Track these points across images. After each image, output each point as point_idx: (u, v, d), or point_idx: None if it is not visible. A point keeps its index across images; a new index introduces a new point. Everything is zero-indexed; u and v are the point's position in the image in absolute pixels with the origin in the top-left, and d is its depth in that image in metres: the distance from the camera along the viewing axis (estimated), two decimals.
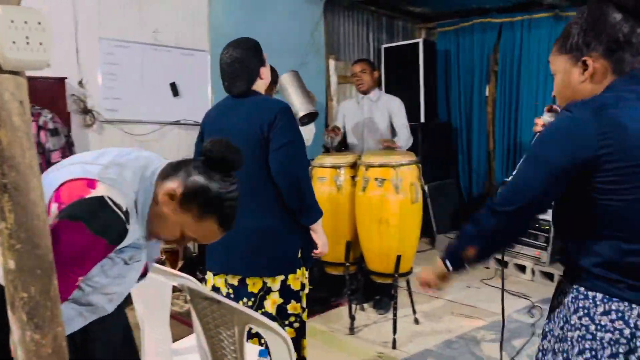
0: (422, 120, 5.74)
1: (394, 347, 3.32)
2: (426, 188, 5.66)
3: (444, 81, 6.27)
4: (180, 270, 4.06)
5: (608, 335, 1.24)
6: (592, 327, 1.27)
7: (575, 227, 1.33)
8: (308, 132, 3.63)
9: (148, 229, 1.36)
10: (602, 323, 1.25)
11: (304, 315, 2.38)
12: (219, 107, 2.38)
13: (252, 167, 2.18)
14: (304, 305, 2.37)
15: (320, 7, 5.32)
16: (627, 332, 1.23)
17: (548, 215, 4.59)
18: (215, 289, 2.35)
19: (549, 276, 4.58)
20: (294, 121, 2.26)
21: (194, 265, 4.13)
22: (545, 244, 4.66)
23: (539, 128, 1.63)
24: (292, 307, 2.31)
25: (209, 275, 2.38)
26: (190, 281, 1.77)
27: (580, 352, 1.28)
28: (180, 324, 3.21)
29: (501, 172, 5.84)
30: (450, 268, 1.54)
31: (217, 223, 1.39)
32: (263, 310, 2.26)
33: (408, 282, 3.69)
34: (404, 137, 3.90)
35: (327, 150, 4.43)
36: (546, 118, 1.65)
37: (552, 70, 1.43)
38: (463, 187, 6.28)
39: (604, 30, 1.29)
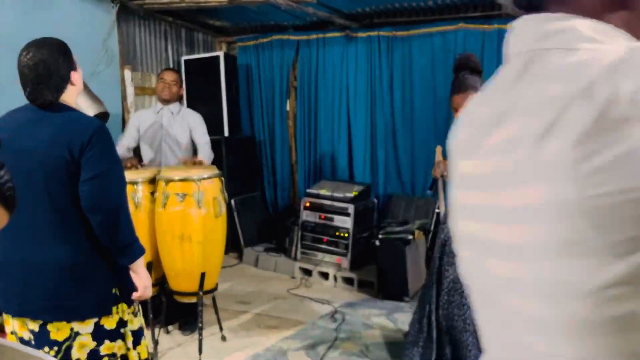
0: (226, 133, 5.70)
1: None
2: (232, 202, 5.65)
3: (246, 95, 6.31)
4: None
5: None
6: None
7: None
8: None
9: None
10: None
11: (132, 355, 2.08)
12: (17, 118, 1.98)
13: (55, 195, 1.88)
14: (130, 344, 2.06)
15: (112, 15, 5.00)
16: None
17: (347, 224, 4.87)
18: (14, 333, 1.99)
19: (350, 281, 4.82)
20: (111, 144, 1.96)
21: None
22: (345, 251, 4.91)
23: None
24: (106, 348, 2.01)
25: (7, 317, 2.01)
26: None
27: None
28: None
29: (304, 184, 6.03)
30: None
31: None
32: None
33: (214, 299, 3.59)
34: (206, 154, 3.82)
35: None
36: None
37: (456, 108, 2.83)
38: (269, 200, 6.37)
39: (469, 79, 2.84)
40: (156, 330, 3.45)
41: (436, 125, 5.35)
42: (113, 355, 2.05)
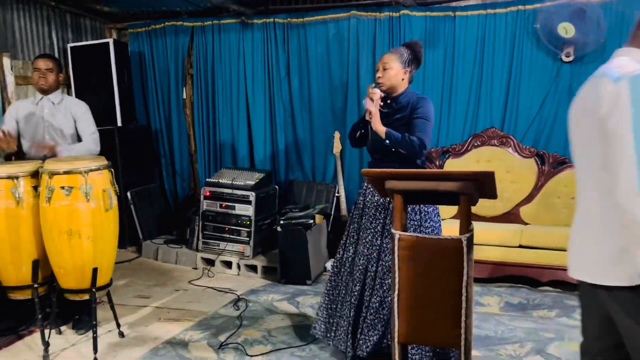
0: (119, 123, 5.48)
1: None
2: (129, 194, 5.45)
3: (140, 83, 6.07)
4: None
5: None
6: None
7: None
8: None
9: None
10: None
11: None
12: None
13: None
14: None
15: None
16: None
17: (249, 212, 4.86)
18: None
19: (254, 268, 4.82)
20: None
21: None
22: (248, 239, 4.90)
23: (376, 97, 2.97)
24: None
25: None
26: None
27: None
28: None
29: (204, 174, 5.93)
30: (384, 136, 2.90)
31: None
32: None
33: (109, 295, 3.46)
34: (87, 146, 3.61)
35: (8, 157, 3.87)
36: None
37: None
38: (168, 191, 6.20)
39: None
40: (46, 332, 3.28)
41: (334, 111, 5.45)
42: None
